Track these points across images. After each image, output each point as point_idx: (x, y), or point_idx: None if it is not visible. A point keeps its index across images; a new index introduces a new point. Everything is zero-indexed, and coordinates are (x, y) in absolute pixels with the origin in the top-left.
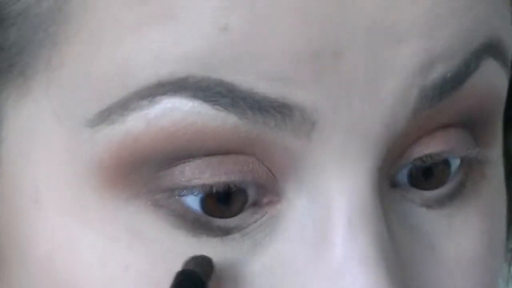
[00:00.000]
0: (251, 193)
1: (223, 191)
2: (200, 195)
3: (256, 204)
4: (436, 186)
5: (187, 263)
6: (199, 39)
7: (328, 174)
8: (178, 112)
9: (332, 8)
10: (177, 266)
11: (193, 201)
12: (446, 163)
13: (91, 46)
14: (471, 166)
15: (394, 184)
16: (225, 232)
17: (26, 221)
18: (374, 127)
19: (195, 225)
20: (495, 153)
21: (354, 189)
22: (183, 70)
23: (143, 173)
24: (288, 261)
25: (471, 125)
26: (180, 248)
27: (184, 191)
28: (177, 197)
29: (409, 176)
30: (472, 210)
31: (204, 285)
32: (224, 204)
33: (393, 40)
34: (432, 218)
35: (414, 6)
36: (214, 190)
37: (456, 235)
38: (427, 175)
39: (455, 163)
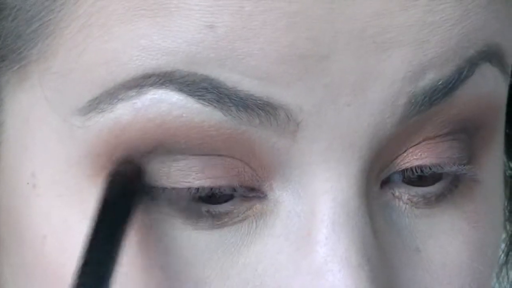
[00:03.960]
0: (238, 191)
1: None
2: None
3: (243, 196)
4: (427, 184)
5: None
6: (186, 35)
7: (313, 173)
8: (164, 104)
9: (320, 11)
10: (169, 252)
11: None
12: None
13: (82, 36)
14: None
15: (384, 183)
16: (216, 218)
17: (23, 205)
18: (360, 130)
19: (186, 212)
20: (493, 159)
21: (339, 190)
22: (170, 64)
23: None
24: (271, 256)
25: (466, 132)
26: (171, 234)
27: (173, 191)
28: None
29: (402, 175)
30: (460, 214)
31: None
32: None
33: (382, 46)
34: (419, 219)
35: (405, 12)
36: (199, 194)
37: (440, 237)
38: (419, 176)
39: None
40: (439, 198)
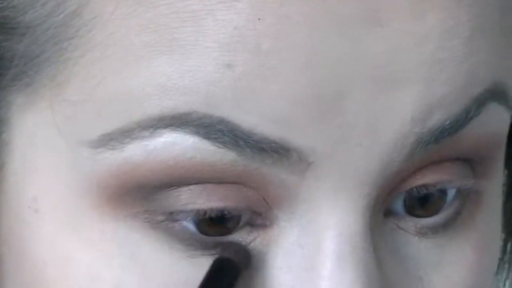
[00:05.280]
0: (245, 216)
1: (218, 215)
2: (195, 218)
3: (249, 224)
4: (432, 214)
5: (223, 251)
6: (204, 74)
7: (320, 208)
8: (178, 147)
9: (337, 50)
10: (169, 285)
11: (188, 222)
12: (442, 191)
13: (98, 68)
14: (468, 195)
15: (388, 213)
16: (219, 247)
17: (25, 228)
18: (368, 169)
19: (190, 244)
20: (493, 184)
21: (345, 225)
22: (187, 104)
23: (141, 195)
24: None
25: (468, 159)
26: (174, 267)
27: (180, 214)
28: (173, 218)
29: (404, 203)
30: (465, 241)
31: (238, 272)
32: (219, 223)
33: (394, 85)
34: (424, 248)
35: (418, 49)
36: (208, 215)
37: (445, 267)
38: (422, 202)
39: (451, 191)
40: (444, 227)
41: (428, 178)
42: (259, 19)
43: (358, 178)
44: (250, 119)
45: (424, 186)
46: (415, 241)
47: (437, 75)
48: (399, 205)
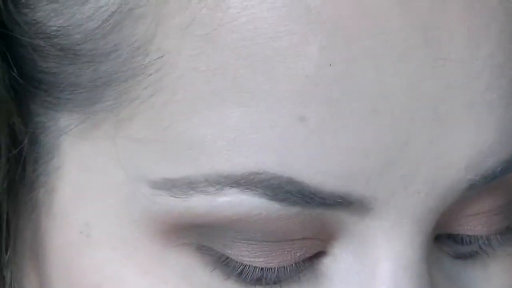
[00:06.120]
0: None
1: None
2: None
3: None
4: (468, 243)
5: None
6: (276, 127)
7: (377, 242)
8: (244, 207)
9: (399, 98)
10: None
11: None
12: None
13: (167, 110)
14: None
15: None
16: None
17: (76, 253)
18: (425, 212)
19: (241, 275)
20: None
21: (402, 255)
22: (257, 164)
23: (198, 235)
24: None
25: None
26: None
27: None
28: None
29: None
30: (505, 266)
31: None
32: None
33: (449, 130)
34: (468, 268)
35: (470, 87)
36: (264, 275)
37: (492, 281)
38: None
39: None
40: (484, 251)
41: (475, 231)
42: (330, 65)
43: (415, 219)
44: (318, 177)
45: (469, 237)
46: (458, 263)
47: (487, 117)
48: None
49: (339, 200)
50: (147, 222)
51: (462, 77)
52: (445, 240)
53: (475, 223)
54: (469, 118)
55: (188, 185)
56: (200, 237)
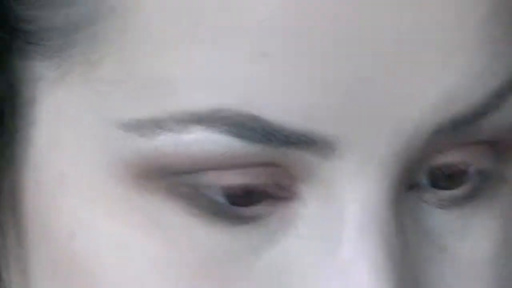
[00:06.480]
0: (270, 189)
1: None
2: (219, 192)
3: (272, 197)
4: (455, 186)
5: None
6: (238, 64)
7: (343, 185)
8: (209, 145)
9: (361, 33)
10: (192, 251)
11: (213, 193)
12: (464, 169)
13: (134, 51)
14: (491, 178)
15: (411, 186)
16: (241, 220)
17: (51, 202)
18: (390, 153)
19: (213, 213)
20: None
21: (369, 199)
22: (220, 100)
23: (168, 174)
24: (297, 256)
25: (493, 143)
26: (195, 234)
27: (205, 189)
28: (198, 191)
29: (428, 176)
30: (488, 217)
31: None
32: (243, 195)
33: (414, 69)
34: (447, 220)
35: (436, 28)
36: (234, 191)
37: (470, 236)
38: (446, 175)
39: (473, 171)
40: (467, 200)
41: (451, 158)
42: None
43: (380, 161)
44: (281, 114)
45: (446, 165)
46: (438, 213)
47: (456, 59)
48: (422, 179)
49: (302, 138)
50: (119, 166)
51: (430, 14)
52: (426, 187)
53: (449, 152)
54: (437, 56)
55: (156, 124)
56: (170, 179)
